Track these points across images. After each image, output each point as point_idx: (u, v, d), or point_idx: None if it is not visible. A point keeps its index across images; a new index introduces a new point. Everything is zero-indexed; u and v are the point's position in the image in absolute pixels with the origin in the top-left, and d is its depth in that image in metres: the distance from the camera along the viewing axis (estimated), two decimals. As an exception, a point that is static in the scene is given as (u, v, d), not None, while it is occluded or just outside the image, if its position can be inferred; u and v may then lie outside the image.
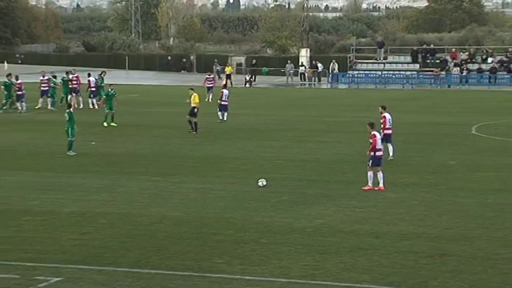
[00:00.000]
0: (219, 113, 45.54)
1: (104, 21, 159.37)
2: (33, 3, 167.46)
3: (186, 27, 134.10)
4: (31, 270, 17.55)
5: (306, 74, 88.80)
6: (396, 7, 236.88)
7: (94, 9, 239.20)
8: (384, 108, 32.66)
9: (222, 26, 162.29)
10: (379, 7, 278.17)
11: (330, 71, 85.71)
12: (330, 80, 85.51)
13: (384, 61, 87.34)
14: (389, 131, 32.19)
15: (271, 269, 17.92)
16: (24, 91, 51.01)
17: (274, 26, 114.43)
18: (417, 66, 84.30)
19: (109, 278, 17.21)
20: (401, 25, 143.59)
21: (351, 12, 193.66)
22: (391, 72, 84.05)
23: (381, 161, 27.29)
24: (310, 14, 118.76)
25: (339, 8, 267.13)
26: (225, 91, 45.68)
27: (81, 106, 52.29)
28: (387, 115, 32.32)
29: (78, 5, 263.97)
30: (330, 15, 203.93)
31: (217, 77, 64.49)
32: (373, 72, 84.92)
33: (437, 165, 31.85)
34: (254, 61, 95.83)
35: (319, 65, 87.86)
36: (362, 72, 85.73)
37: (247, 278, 17.29)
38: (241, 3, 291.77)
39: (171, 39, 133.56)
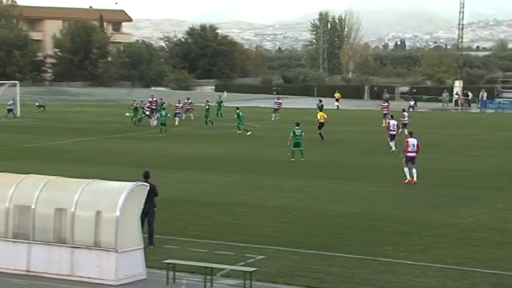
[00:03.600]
0: (391, 143, 37.69)
1: (299, 60, 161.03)
2: (247, 47, 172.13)
3: (362, 63, 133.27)
4: (242, 249, 17.90)
5: (459, 101, 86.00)
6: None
7: (291, 50, 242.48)
8: (410, 133, 29.19)
9: (390, 62, 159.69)
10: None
11: (480, 99, 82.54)
12: (479, 106, 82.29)
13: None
14: (413, 154, 27.97)
15: (429, 256, 17.40)
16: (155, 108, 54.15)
17: (434, 63, 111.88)
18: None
19: (301, 258, 17.30)
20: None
21: (498, 51, 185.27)
22: (533, 100, 79.97)
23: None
24: (464, 52, 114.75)
25: (488, 48, 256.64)
26: (392, 122, 38.52)
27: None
28: (411, 140, 28.25)
29: (279, 48, 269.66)
30: (480, 53, 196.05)
31: (386, 103, 63.66)
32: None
33: None
34: (414, 90, 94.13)
35: (470, 93, 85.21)
36: (507, 99, 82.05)
37: (410, 262, 16.88)
38: (406, 45, 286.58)
39: (350, 73, 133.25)
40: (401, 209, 22.96)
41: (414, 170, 27.90)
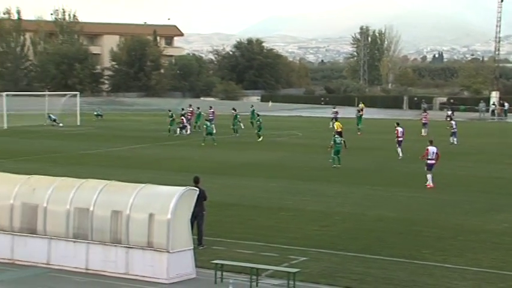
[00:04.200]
0: (399, 149, 37.89)
1: (340, 72, 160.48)
2: (291, 59, 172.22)
3: (401, 75, 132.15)
4: (285, 251, 17.87)
5: (496, 111, 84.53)
6: None
7: (333, 63, 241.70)
8: (430, 142, 29.27)
9: (429, 74, 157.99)
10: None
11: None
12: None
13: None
14: (432, 161, 28.25)
15: (466, 260, 17.13)
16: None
17: (471, 74, 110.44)
18: None
19: (341, 259, 17.20)
20: None
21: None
22: None
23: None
24: (500, 64, 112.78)
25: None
26: (400, 128, 38.10)
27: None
28: (431, 148, 28.45)
29: (322, 61, 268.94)
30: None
31: (425, 112, 62.81)
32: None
33: None
34: (452, 100, 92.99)
35: (506, 104, 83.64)
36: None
37: (447, 266, 16.65)
38: (444, 57, 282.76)
39: (389, 84, 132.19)
40: (438, 214, 22.65)
41: (429, 175, 28.42)
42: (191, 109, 56.89)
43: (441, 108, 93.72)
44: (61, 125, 60.52)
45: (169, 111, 54.91)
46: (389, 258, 17.24)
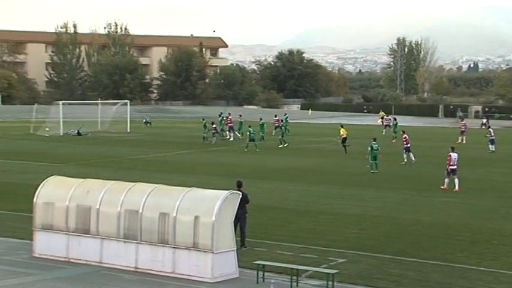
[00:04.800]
0: (404, 155, 38.05)
1: (378, 81, 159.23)
2: (330, 69, 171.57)
3: (436, 84, 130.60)
4: (324, 253, 17.78)
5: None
6: None
7: (371, 72, 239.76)
8: (452, 148, 29.49)
9: (464, 83, 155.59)
10: None
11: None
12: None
13: None
14: (455, 167, 28.47)
15: (501, 263, 16.79)
16: (232, 124, 54.17)
17: (506, 83, 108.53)
18: None
19: (379, 262, 17.03)
20: None
21: None
22: None
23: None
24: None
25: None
26: (406, 136, 38.35)
27: (231, 138, 52.71)
28: (453, 154, 28.66)
29: (360, 70, 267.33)
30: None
31: (459, 120, 61.73)
32: None
33: None
34: (487, 109, 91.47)
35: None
36: None
37: (482, 269, 16.33)
38: (479, 67, 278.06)
39: (425, 93, 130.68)
40: (473, 219, 22.26)
41: (456, 180, 28.30)
42: (230, 117, 56.83)
43: (476, 117, 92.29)
44: (89, 134, 59.56)
45: (203, 119, 54.69)
46: (425, 260, 17.00)
